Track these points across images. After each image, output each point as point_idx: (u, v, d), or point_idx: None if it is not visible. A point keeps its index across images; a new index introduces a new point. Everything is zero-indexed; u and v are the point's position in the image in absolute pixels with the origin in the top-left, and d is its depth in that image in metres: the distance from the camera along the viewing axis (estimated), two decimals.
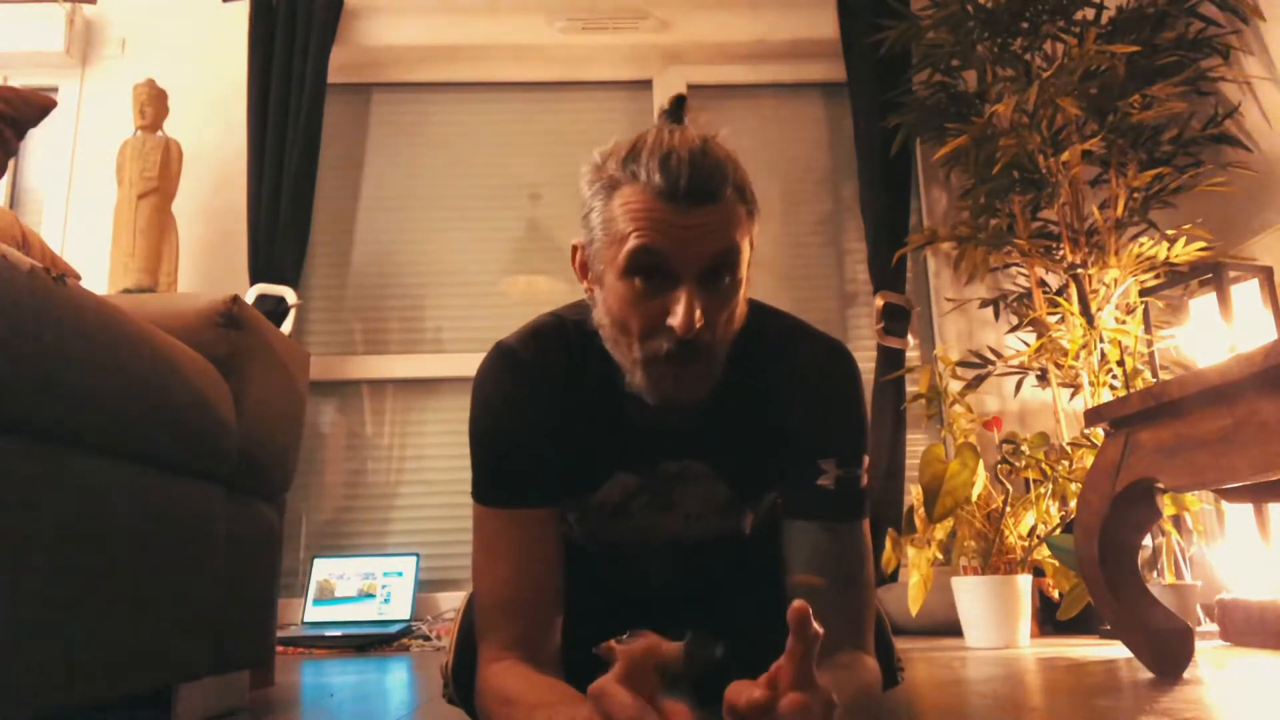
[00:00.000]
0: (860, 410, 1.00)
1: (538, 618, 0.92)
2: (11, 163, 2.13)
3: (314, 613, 2.77)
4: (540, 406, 0.95)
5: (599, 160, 0.90)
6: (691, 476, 1.02)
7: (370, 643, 2.54)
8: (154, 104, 2.93)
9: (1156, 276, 2.41)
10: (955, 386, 2.55)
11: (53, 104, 1.62)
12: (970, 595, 2.15)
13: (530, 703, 0.80)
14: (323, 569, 2.85)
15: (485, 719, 0.88)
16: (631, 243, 0.84)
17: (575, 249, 0.96)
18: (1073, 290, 2.52)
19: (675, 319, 0.83)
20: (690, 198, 0.83)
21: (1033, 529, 2.24)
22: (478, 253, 3.24)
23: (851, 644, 0.91)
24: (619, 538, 1.08)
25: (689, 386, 0.88)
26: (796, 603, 0.60)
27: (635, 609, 1.15)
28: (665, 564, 1.13)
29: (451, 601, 2.88)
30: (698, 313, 0.83)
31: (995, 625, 2.10)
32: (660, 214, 0.83)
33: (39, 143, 3.15)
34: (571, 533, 1.10)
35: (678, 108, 0.93)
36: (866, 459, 0.98)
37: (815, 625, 0.60)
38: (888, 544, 2.34)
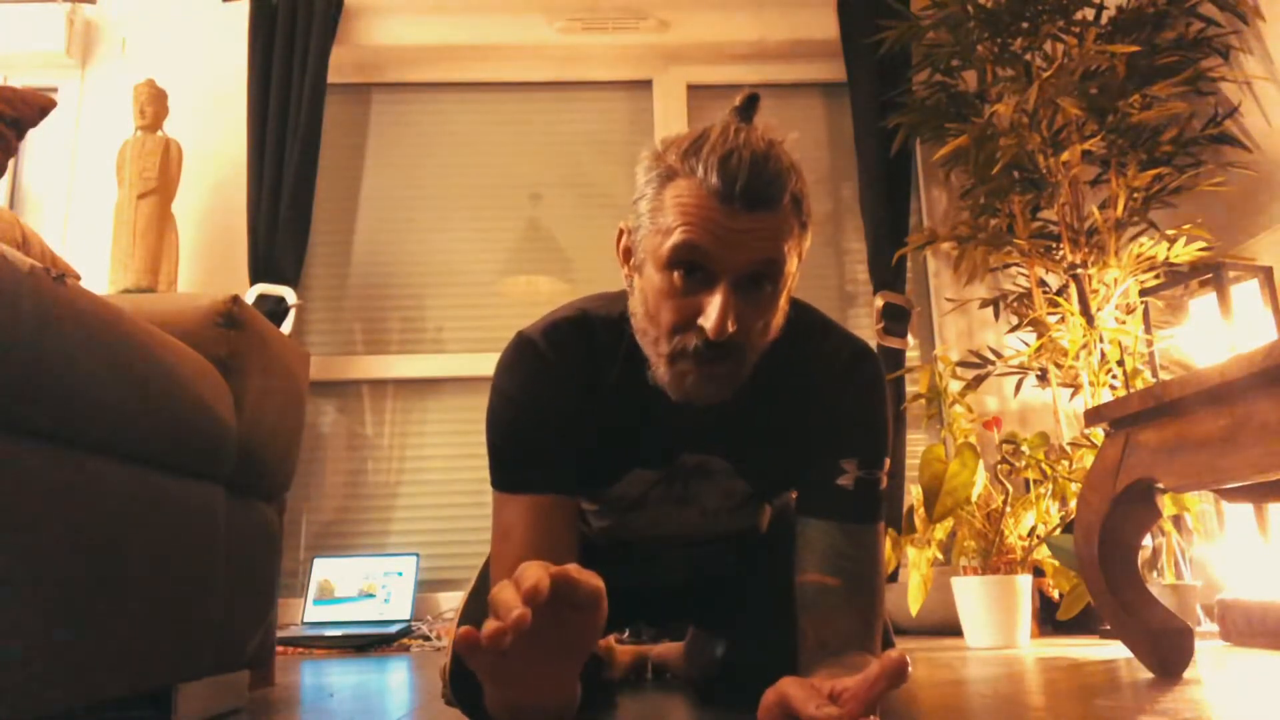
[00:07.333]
0: (884, 413, 0.99)
1: None
2: (11, 163, 2.13)
3: (314, 613, 2.77)
4: (557, 398, 0.94)
5: (660, 148, 0.88)
6: (710, 472, 1.01)
7: (370, 643, 2.54)
8: (154, 104, 2.93)
9: (1156, 276, 2.41)
10: (955, 386, 2.54)
11: (53, 104, 1.61)
12: (970, 595, 2.15)
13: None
14: (323, 569, 2.85)
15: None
16: (676, 237, 0.83)
17: (621, 232, 0.95)
18: (1073, 290, 2.52)
19: (707, 320, 0.82)
20: (744, 202, 0.81)
21: (1033, 529, 2.23)
22: (478, 253, 3.24)
23: (860, 646, 0.90)
24: (634, 534, 1.07)
25: (711, 387, 0.87)
26: (895, 655, 0.65)
27: (641, 609, 1.14)
28: (675, 563, 1.13)
29: (451, 601, 2.88)
30: (730, 316, 0.81)
31: (995, 625, 2.10)
32: (710, 213, 0.82)
33: (39, 143, 3.14)
34: (588, 530, 1.10)
35: (749, 106, 0.91)
36: (887, 462, 0.98)
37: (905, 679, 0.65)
38: (888, 544, 2.34)
